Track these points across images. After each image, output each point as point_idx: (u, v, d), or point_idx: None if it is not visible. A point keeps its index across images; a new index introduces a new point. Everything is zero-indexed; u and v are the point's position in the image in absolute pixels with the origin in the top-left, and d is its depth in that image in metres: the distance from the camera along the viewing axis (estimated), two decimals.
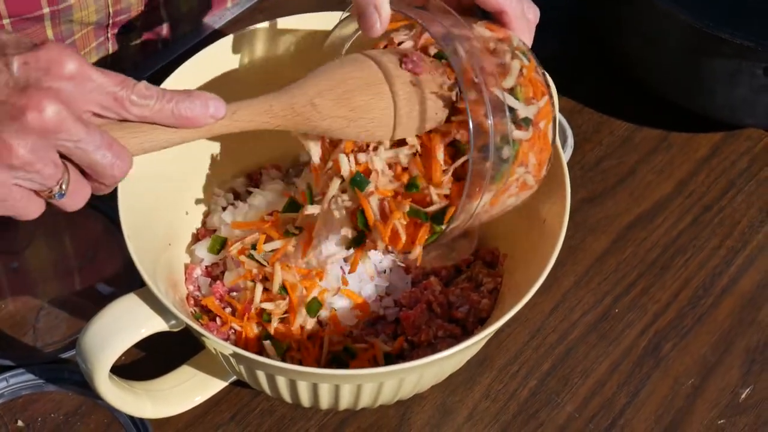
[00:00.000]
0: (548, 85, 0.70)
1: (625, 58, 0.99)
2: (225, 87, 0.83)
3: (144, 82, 0.63)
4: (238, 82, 0.84)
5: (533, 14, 0.73)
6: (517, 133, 0.67)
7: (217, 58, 0.82)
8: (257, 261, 0.78)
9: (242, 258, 0.78)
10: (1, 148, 0.58)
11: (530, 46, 0.72)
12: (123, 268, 0.87)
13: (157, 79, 0.83)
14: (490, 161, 0.66)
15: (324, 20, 0.83)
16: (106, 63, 0.94)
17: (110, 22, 0.90)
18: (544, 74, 0.70)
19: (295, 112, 0.69)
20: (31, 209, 0.62)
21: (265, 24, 0.83)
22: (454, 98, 0.71)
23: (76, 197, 0.63)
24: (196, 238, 0.84)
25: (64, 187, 0.61)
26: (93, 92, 0.60)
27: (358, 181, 0.71)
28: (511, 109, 0.67)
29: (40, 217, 0.88)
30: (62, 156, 0.60)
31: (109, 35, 0.92)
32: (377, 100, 0.70)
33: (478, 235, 0.84)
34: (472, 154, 0.65)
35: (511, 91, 0.67)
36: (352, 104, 0.69)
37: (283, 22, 0.83)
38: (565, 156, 0.78)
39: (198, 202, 0.85)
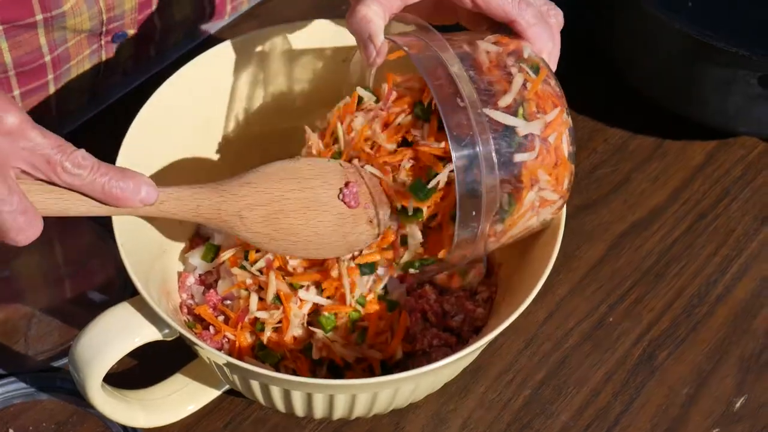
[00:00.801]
0: (562, 96, 0.69)
1: (619, 65, 0.99)
2: (219, 94, 0.83)
3: (82, 151, 0.62)
4: (232, 89, 0.84)
5: (556, 18, 0.71)
6: (519, 156, 0.67)
7: (211, 66, 0.82)
8: (250, 272, 0.77)
9: (235, 270, 0.78)
10: None
11: (557, 53, 0.71)
12: (115, 276, 0.86)
13: (150, 84, 0.83)
14: (483, 197, 0.66)
15: (317, 27, 0.83)
16: (99, 71, 0.93)
17: (104, 29, 0.89)
18: (557, 85, 0.69)
19: (221, 219, 0.69)
20: None
21: (259, 31, 0.83)
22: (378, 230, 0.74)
23: None
24: (190, 245, 0.84)
25: None
26: (26, 151, 0.60)
27: None
28: (508, 128, 0.66)
29: None
30: None
31: (103, 43, 0.91)
32: (304, 227, 0.71)
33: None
34: (458, 193, 0.66)
35: (509, 108, 0.67)
36: (278, 225, 0.71)
37: (277, 30, 0.83)
38: None
39: None
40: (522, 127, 0.67)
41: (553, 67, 0.71)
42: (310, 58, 0.85)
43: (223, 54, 0.82)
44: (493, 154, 0.66)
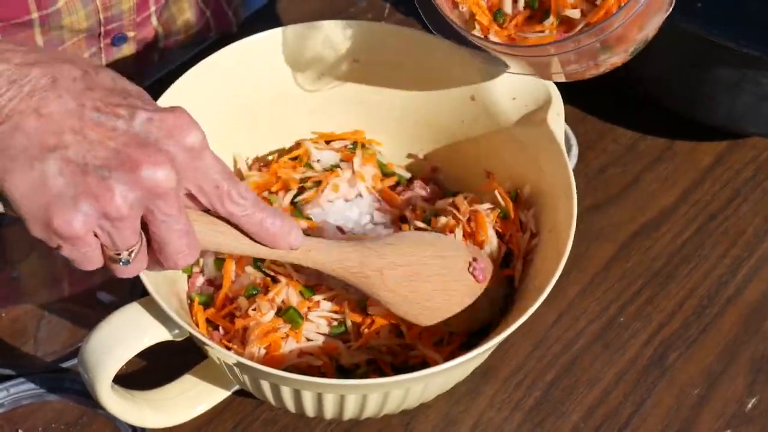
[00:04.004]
0: None
1: (628, 66, 0.98)
2: (227, 98, 0.83)
3: (245, 183, 0.63)
4: (239, 93, 0.84)
5: None
6: None
7: (218, 69, 0.82)
8: (263, 272, 0.77)
9: (248, 268, 0.77)
10: (104, 194, 0.56)
11: None
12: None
13: (154, 89, 0.82)
14: None
15: (327, 28, 0.83)
16: None
17: (102, 30, 0.88)
18: None
19: (364, 274, 0.70)
20: (93, 261, 0.60)
21: (267, 33, 0.83)
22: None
23: (134, 268, 0.61)
24: None
25: (132, 256, 0.60)
26: (200, 172, 0.60)
27: None
28: None
29: None
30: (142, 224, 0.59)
31: (102, 45, 0.90)
32: (438, 293, 0.73)
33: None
34: None
35: None
36: (415, 288, 0.72)
37: (285, 31, 0.83)
38: (570, 164, 0.78)
39: None
40: None
41: None
42: (319, 59, 0.85)
43: (230, 56, 0.82)
44: None
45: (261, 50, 0.83)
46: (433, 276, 0.73)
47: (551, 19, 0.72)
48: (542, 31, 0.73)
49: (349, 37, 0.83)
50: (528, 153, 0.81)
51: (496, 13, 0.74)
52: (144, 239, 0.60)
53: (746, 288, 0.89)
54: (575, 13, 0.72)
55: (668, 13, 0.72)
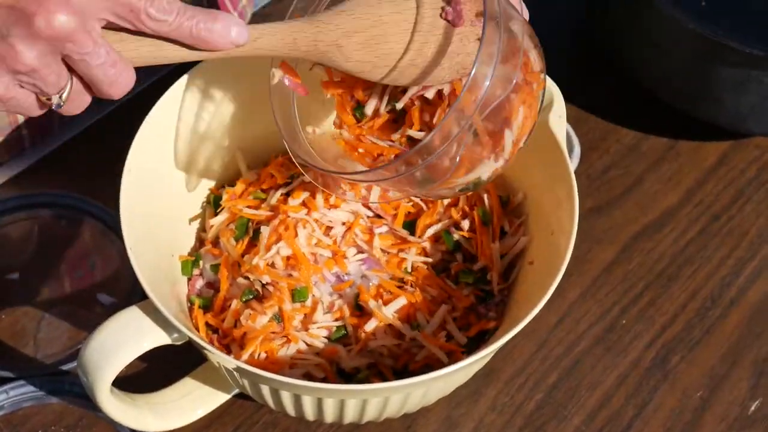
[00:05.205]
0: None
1: (632, 66, 0.98)
2: (227, 98, 0.83)
3: None
4: (240, 93, 0.83)
5: None
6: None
7: (218, 69, 0.81)
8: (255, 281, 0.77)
9: (240, 280, 0.77)
10: (7, 52, 0.58)
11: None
12: (124, 277, 0.86)
13: (153, 89, 0.82)
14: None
15: None
16: None
17: None
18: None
19: (318, 50, 0.67)
20: (34, 109, 0.62)
21: None
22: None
23: (73, 105, 0.63)
24: (198, 246, 0.83)
25: (63, 97, 0.61)
26: (106, 1, 0.59)
27: None
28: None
29: (39, 227, 0.88)
30: (67, 65, 0.60)
31: None
32: (408, 53, 0.68)
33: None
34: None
35: None
36: (380, 51, 0.67)
37: None
38: (572, 165, 0.78)
39: (201, 211, 0.84)
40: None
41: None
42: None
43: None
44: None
45: None
46: (397, 34, 0.68)
47: (398, 135, 0.70)
48: (393, 142, 0.71)
49: None
50: (529, 154, 0.80)
51: (356, 109, 0.72)
52: (73, 79, 0.61)
53: (750, 289, 0.89)
54: (419, 135, 0.69)
55: (507, 163, 0.70)
